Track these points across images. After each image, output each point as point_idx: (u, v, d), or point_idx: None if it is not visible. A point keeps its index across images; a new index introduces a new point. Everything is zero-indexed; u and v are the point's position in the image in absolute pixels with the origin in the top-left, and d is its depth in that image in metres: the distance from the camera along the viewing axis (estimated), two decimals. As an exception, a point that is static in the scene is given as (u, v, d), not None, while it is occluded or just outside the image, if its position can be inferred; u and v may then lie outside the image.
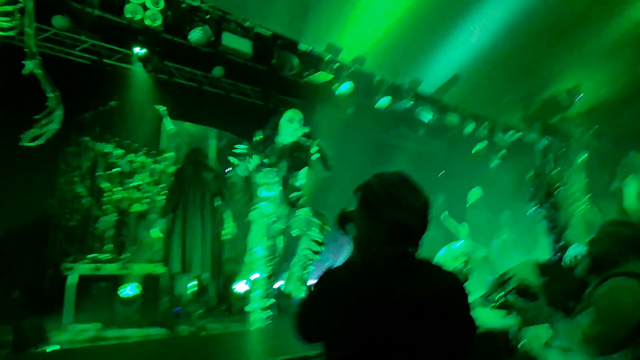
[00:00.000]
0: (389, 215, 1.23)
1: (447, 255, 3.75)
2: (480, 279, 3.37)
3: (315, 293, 1.25)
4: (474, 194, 7.87)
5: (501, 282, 2.86)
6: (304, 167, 3.45)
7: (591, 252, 1.93)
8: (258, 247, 3.37)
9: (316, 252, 3.20)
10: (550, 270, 3.01)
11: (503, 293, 2.87)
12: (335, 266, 1.27)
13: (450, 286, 1.24)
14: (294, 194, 3.39)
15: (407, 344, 1.11)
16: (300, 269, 3.18)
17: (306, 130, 3.32)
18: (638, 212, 4.84)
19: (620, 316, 1.66)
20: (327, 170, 3.41)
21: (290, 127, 3.37)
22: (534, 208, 5.13)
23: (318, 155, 3.32)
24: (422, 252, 1.35)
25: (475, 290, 3.36)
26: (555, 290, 2.60)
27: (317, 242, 3.17)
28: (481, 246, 6.58)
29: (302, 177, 3.48)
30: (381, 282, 1.15)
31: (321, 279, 1.23)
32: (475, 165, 9.12)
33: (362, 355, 1.11)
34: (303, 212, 3.32)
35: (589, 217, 7.27)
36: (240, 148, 3.31)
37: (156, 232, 4.65)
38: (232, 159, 3.36)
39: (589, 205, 7.21)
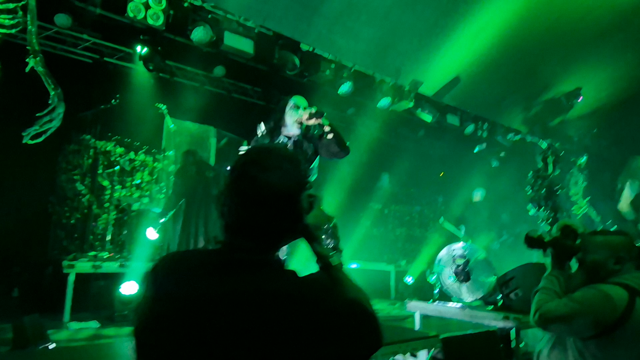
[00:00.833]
0: (223, 197, 1.00)
1: (447, 257, 3.75)
2: (480, 280, 3.37)
3: None
4: (478, 194, 7.88)
5: (501, 284, 2.87)
6: (312, 161, 3.10)
7: (585, 265, 1.85)
8: None
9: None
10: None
11: (503, 295, 2.88)
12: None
13: (280, 300, 0.86)
14: None
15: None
16: None
17: (313, 109, 2.89)
18: (630, 215, 4.88)
19: (587, 312, 1.66)
20: (343, 152, 2.95)
21: (296, 115, 3.02)
22: (534, 210, 5.14)
23: (332, 135, 2.88)
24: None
25: (475, 291, 3.37)
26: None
27: (332, 248, 2.85)
28: (480, 248, 6.60)
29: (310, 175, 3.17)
30: (174, 280, 0.94)
31: None
32: (475, 167, 9.14)
33: None
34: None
35: (588, 219, 7.28)
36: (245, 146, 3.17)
37: (153, 232, 4.66)
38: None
39: (588, 207, 7.23)
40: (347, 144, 3.00)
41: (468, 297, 3.42)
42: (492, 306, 3.19)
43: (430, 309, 3.54)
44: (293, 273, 0.96)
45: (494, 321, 2.95)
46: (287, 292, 0.89)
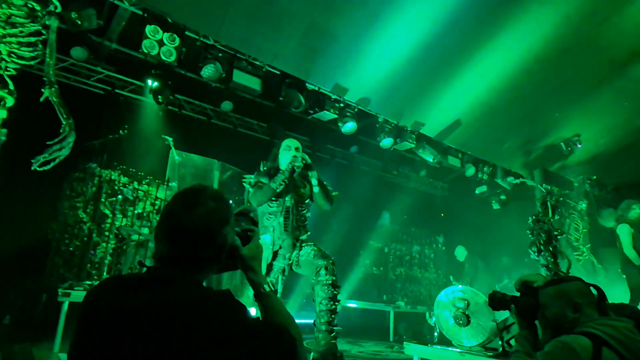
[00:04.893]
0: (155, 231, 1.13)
1: (447, 299, 3.71)
2: (481, 324, 3.32)
3: None
4: (460, 254, 7.87)
5: (502, 329, 2.82)
6: (308, 198, 3.29)
7: (547, 320, 1.74)
8: None
9: (335, 300, 2.83)
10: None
11: (504, 341, 2.83)
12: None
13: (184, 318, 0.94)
14: (300, 225, 3.19)
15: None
16: (327, 324, 2.78)
17: (299, 160, 3.13)
18: (638, 260, 4.86)
19: None
20: (328, 203, 3.26)
21: (287, 155, 3.26)
22: (534, 255, 5.11)
23: (318, 189, 3.20)
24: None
25: (475, 336, 3.31)
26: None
27: (331, 285, 2.85)
28: (480, 292, 6.52)
29: (307, 209, 3.30)
30: (100, 295, 1.03)
31: None
32: (475, 209, 9.16)
33: None
34: (305, 253, 3.10)
35: (589, 266, 7.21)
36: (248, 177, 3.24)
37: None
38: (246, 186, 3.24)
39: (589, 254, 7.18)
40: (334, 194, 3.27)
41: (468, 342, 3.36)
42: (492, 352, 3.12)
43: (429, 353, 3.47)
44: (205, 289, 1.05)
45: (494, 368, 2.89)
46: (190, 301, 0.98)
